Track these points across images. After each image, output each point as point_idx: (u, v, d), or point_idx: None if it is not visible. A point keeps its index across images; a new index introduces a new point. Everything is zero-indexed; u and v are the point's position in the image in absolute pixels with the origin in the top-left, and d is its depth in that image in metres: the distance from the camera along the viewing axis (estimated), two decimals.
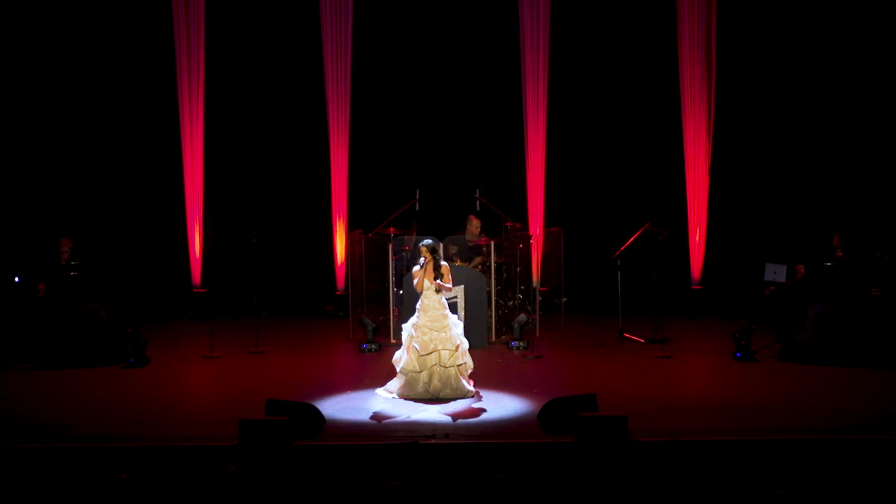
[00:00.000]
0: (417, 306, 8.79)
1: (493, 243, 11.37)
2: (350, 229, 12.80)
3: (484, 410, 8.25)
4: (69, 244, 10.71)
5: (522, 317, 10.90)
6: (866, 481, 6.53)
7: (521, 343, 10.69)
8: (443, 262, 8.85)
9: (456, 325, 8.82)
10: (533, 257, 12.24)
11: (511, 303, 11.58)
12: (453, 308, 10.11)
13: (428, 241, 8.90)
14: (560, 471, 6.71)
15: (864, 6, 12.41)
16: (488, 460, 6.91)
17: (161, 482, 6.64)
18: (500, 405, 8.39)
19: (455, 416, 8.06)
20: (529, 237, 11.87)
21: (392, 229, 11.27)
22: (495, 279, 11.34)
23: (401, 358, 8.70)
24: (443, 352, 8.61)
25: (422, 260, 8.76)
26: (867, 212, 12.23)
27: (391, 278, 11.23)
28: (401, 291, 11.00)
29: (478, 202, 11.74)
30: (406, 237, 11.30)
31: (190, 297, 13.01)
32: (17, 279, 10.40)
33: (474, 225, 11.75)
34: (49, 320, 10.22)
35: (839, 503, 6.35)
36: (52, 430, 7.64)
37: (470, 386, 8.72)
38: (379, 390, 8.66)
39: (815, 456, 6.88)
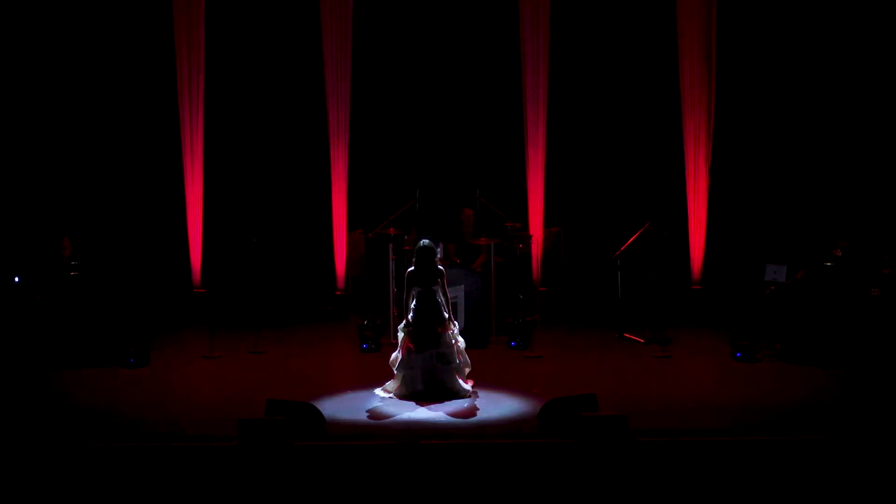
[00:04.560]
0: (412, 306, 8.79)
1: (492, 243, 11.37)
2: (350, 229, 12.81)
3: (483, 410, 8.25)
4: (69, 242, 10.82)
5: (522, 317, 10.90)
6: (866, 481, 6.53)
7: (521, 343, 10.69)
8: (439, 267, 8.88)
9: (453, 324, 8.84)
10: (533, 257, 12.25)
11: (511, 303, 11.58)
12: (453, 308, 10.12)
13: (425, 242, 8.90)
14: (560, 471, 6.71)
15: (865, 6, 12.41)
16: (488, 460, 6.92)
17: (160, 482, 6.64)
18: (500, 405, 8.40)
19: (454, 416, 8.07)
20: (529, 237, 11.88)
21: (392, 229, 11.28)
22: (495, 279, 11.34)
23: (397, 358, 8.72)
24: (439, 351, 8.63)
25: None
26: (867, 212, 12.23)
27: (391, 278, 11.24)
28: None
29: (477, 202, 11.76)
30: (406, 237, 11.31)
31: (190, 298, 13.00)
32: (17, 279, 10.40)
33: (467, 215, 11.80)
34: (49, 320, 10.22)
35: (839, 503, 6.36)
36: (52, 431, 7.64)
37: (468, 386, 8.72)
38: (377, 390, 8.67)
39: (815, 456, 6.88)
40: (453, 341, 8.74)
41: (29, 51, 12.68)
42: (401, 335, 8.80)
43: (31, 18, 12.65)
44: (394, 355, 8.79)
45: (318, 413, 7.64)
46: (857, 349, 9.75)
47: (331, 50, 12.84)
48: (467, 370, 8.87)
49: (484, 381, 9.04)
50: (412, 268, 8.87)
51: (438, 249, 9.32)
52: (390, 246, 11.32)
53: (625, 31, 12.91)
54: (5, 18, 12.57)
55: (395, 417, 8.07)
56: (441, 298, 8.81)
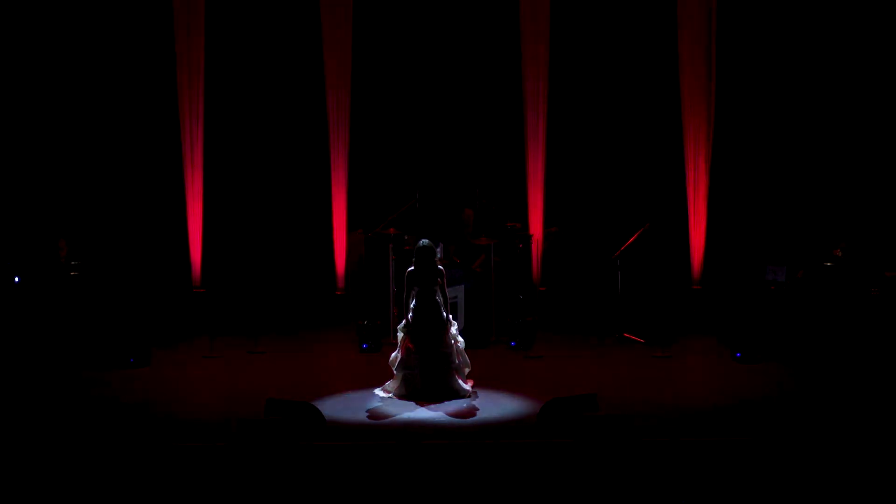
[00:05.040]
0: (412, 306, 8.79)
1: (492, 243, 11.37)
2: (350, 229, 12.80)
3: (483, 410, 8.25)
4: (65, 243, 10.84)
5: (522, 317, 10.90)
6: (866, 479, 6.54)
7: (521, 343, 10.69)
8: (439, 267, 8.88)
9: (452, 324, 8.84)
10: (533, 257, 12.25)
11: (511, 303, 11.58)
12: (453, 308, 10.12)
13: (425, 242, 8.91)
14: (560, 471, 6.71)
15: (865, 6, 12.40)
16: (488, 460, 6.92)
17: (160, 481, 6.64)
18: (499, 405, 8.40)
19: (454, 416, 8.07)
20: (529, 237, 11.88)
21: (392, 229, 11.28)
22: (495, 279, 11.34)
23: (397, 358, 8.73)
24: (439, 351, 8.63)
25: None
26: (868, 212, 12.23)
27: (391, 278, 11.24)
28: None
29: (477, 202, 11.76)
30: (406, 237, 11.31)
31: (190, 298, 12.99)
32: (17, 279, 10.40)
33: (467, 215, 11.80)
34: (49, 321, 10.23)
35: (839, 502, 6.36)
36: (52, 430, 7.65)
37: (468, 386, 8.73)
38: (377, 390, 8.68)
39: (814, 455, 6.89)
40: (453, 341, 8.75)
41: (27, 52, 12.67)
42: (401, 335, 8.80)
43: (30, 19, 12.64)
44: (393, 355, 8.81)
45: (318, 413, 7.64)
46: (856, 349, 9.76)
47: (331, 49, 12.82)
48: (467, 370, 8.88)
49: (484, 381, 9.05)
50: (412, 268, 8.87)
51: (438, 249, 9.33)
52: (390, 246, 11.32)
53: (625, 30, 12.89)
54: (4, 19, 12.56)
55: (395, 417, 8.08)
56: (441, 298, 8.81)
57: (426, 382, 8.59)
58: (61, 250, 10.88)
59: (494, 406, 8.37)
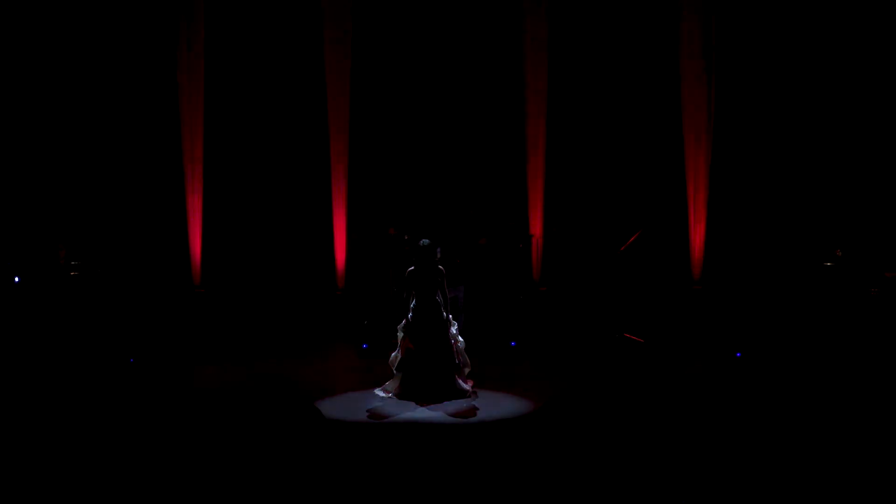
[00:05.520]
0: (412, 306, 8.80)
1: (492, 243, 11.37)
2: (350, 229, 12.80)
3: (483, 410, 8.26)
4: (63, 246, 10.89)
5: (521, 317, 10.92)
6: (865, 479, 6.54)
7: (520, 343, 10.70)
8: (439, 267, 8.89)
9: (452, 324, 8.85)
10: (533, 257, 12.26)
11: (511, 303, 11.60)
12: (453, 308, 10.13)
13: (426, 241, 8.91)
14: (559, 470, 6.72)
15: (865, 6, 12.41)
16: (487, 460, 6.93)
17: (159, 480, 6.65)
18: (500, 405, 8.41)
19: (454, 416, 8.07)
20: (530, 237, 11.89)
21: (392, 229, 11.29)
22: (495, 279, 11.34)
23: (397, 358, 8.73)
24: (439, 351, 8.63)
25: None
26: (868, 212, 12.24)
27: (391, 278, 11.24)
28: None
29: (478, 203, 11.77)
30: (406, 237, 11.32)
31: (190, 298, 13.00)
32: (17, 279, 10.42)
33: (467, 216, 11.82)
34: (48, 320, 10.24)
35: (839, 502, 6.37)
36: (53, 430, 7.66)
37: (468, 386, 8.74)
38: (377, 390, 8.68)
39: (814, 454, 6.90)
40: (453, 341, 8.76)
41: (27, 54, 12.67)
42: (401, 335, 8.81)
43: (30, 21, 12.65)
44: (393, 355, 8.81)
45: (318, 412, 7.64)
46: (856, 349, 9.77)
47: (332, 49, 12.81)
48: (467, 370, 8.88)
49: (483, 380, 9.05)
50: (412, 267, 8.88)
51: (438, 249, 9.34)
52: (390, 246, 11.33)
53: (626, 30, 12.88)
54: (1, 19, 12.57)
55: (395, 417, 8.08)
56: (441, 298, 8.82)
57: (426, 382, 8.59)
58: (60, 250, 10.91)
59: (494, 406, 8.37)
